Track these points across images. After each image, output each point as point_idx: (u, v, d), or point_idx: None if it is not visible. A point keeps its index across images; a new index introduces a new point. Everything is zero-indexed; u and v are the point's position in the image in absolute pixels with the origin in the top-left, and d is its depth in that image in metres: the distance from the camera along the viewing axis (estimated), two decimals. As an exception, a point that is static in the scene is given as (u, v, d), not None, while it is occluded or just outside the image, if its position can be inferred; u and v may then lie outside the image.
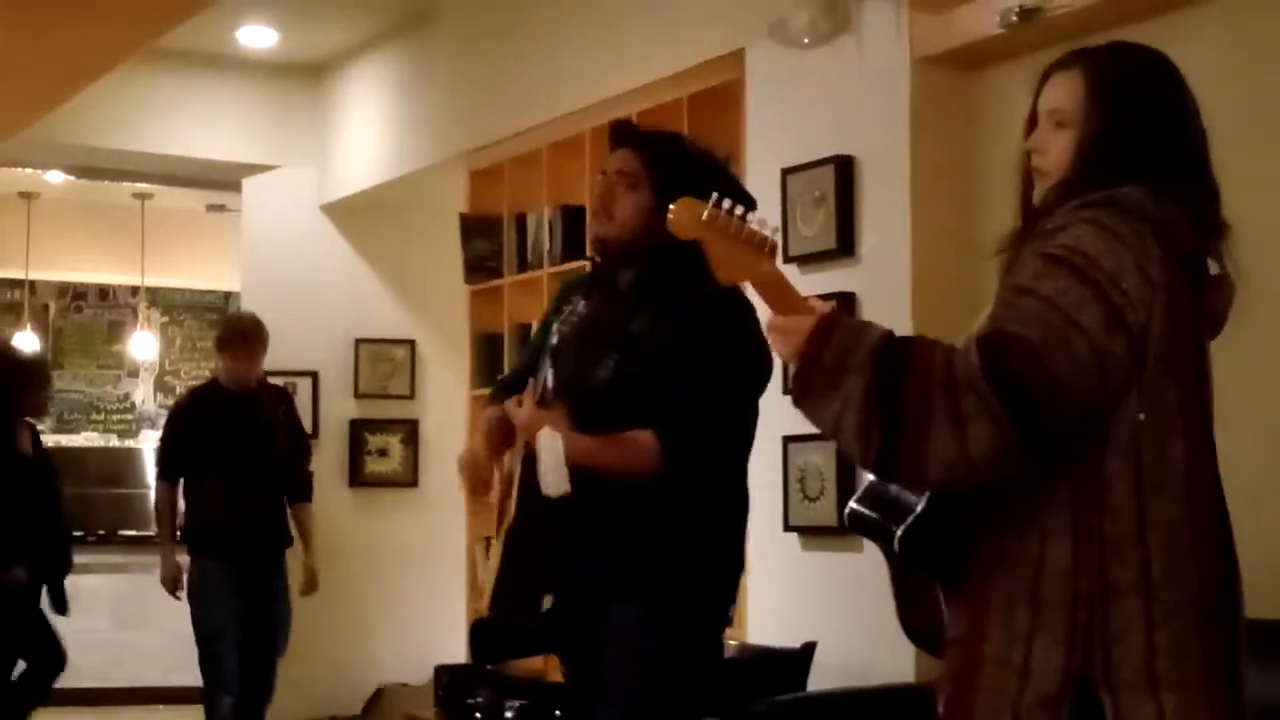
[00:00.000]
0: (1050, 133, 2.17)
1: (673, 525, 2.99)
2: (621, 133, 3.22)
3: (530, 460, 2.97)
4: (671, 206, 2.13)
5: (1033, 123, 2.22)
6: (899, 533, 2.12)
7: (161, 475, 6.04)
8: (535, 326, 3.62)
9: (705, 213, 2.09)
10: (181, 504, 5.93)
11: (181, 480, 5.90)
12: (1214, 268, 2.14)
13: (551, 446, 2.86)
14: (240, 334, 5.90)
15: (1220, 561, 2.05)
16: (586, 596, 3.03)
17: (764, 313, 2.15)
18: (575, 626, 3.08)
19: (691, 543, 3.01)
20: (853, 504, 2.25)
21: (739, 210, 2.12)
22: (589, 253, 3.21)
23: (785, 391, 2.10)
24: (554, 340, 3.05)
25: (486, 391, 6.50)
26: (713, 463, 3.03)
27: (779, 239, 2.14)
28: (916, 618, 2.25)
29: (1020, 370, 1.92)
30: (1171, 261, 2.02)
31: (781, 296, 2.10)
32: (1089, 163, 2.11)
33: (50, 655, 6.13)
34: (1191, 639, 2.00)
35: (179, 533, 5.91)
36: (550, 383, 3.01)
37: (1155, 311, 1.99)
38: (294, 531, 6.06)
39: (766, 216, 2.19)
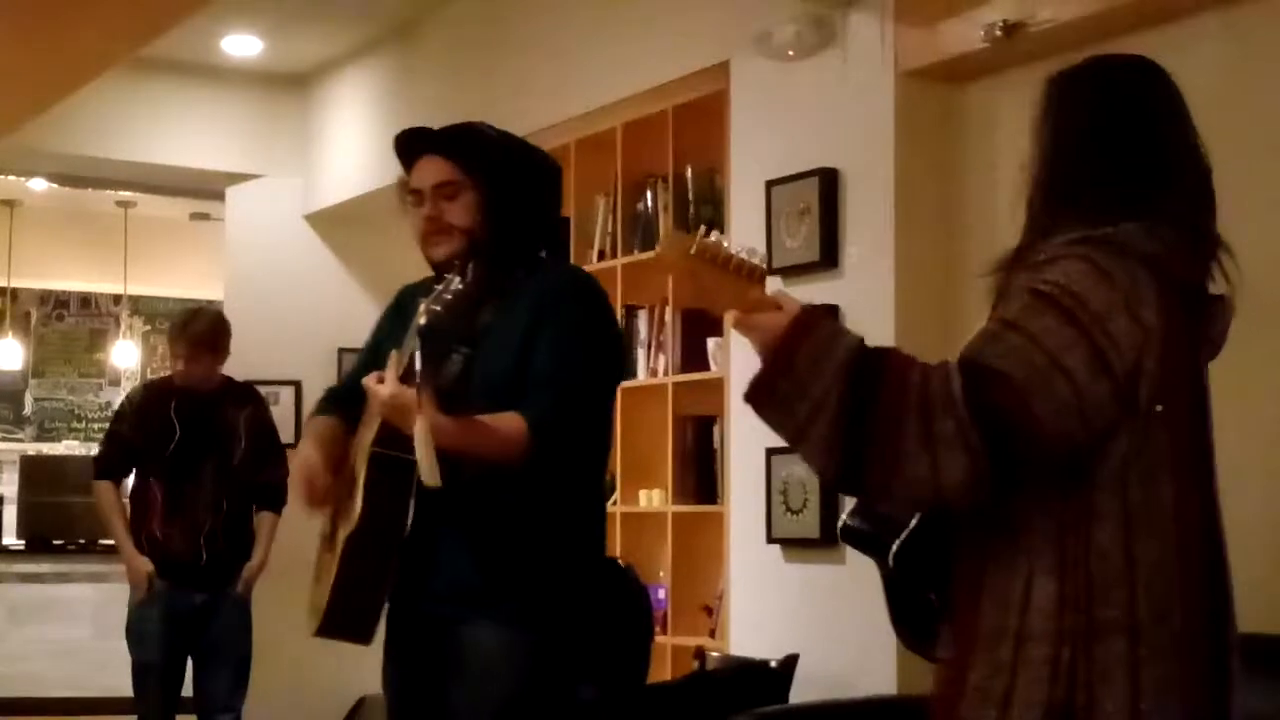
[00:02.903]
0: (1030, 147, 2.18)
1: (532, 528, 2.82)
2: (415, 140, 3.03)
3: (379, 460, 2.75)
4: (660, 242, 2.09)
5: None
6: (894, 547, 2.12)
7: (100, 474, 5.45)
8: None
9: (694, 246, 2.05)
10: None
11: (125, 482, 5.45)
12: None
13: (424, 433, 2.62)
14: (184, 336, 5.35)
15: (1209, 602, 2.04)
16: (442, 611, 2.85)
17: (746, 343, 2.11)
18: (415, 646, 2.89)
19: (552, 549, 2.84)
20: (845, 518, 2.24)
21: (724, 239, 2.07)
22: (436, 270, 2.99)
23: (745, 399, 2.05)
24: (422, 320, 2.72)
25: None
26: (577, 448, 2.86)
27: (766, 265, 2.10)
28: (910, 625, 2.24)
29: (1004, 406, 1.92)
30: (1168, 300, 2.01)
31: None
32: (1047, 176, 2.13)
33: None
34: (1176, 679, 1.99)
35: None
36: (419, 364, 2.70)
37: (1147, 353, 1.98)
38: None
39: (756, 246, 2.16)
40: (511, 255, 2.93)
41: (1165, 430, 2.01)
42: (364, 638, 2.88)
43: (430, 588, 2.85)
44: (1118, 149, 2.11)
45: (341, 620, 2.84)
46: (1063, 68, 2.21)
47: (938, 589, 2.12)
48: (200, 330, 5.36)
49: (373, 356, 3.00)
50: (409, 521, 2.78)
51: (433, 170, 2.97)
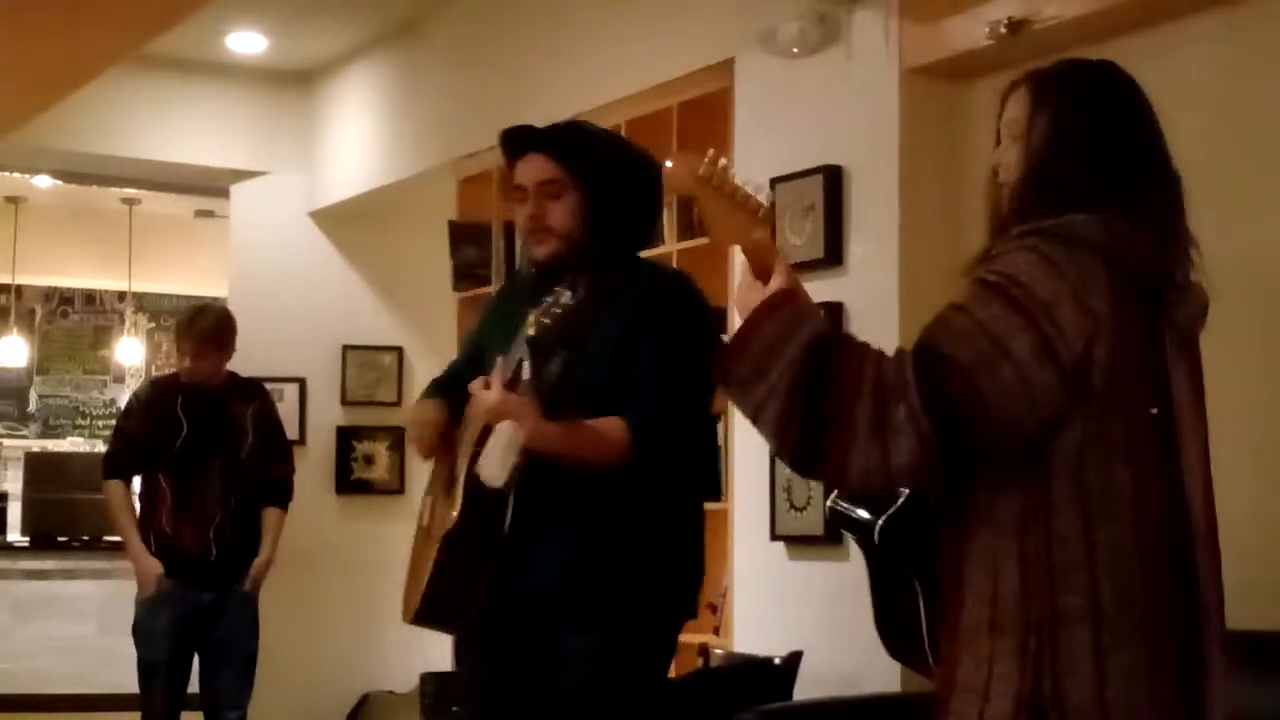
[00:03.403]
0: (1007, 147, 2.21)
1: (630, 532, 2.90)
2: (521, 138, 3.05)
3: (478, 457, 2.85)
4: (668, 161, 2.10)
5: (998, 143, 2.27)
6: (880, 522, 2.14)
7: (109, 473, 5.41)
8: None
9: (702, 168, 2.06)
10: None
11: (136, 481, 5.41)
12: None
13: (509, 436, 2.74)
14: (191, 333, 5.33)
15: (1175, 588, 2.04)
16: (535, 611, 2.92)
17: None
18: (517, 644, 2.97)
19: (649, 553, 2.92)
20: (833, 498, 2.26)
21: (732, 169, 2.08)
22: (532, 268, 3.07)
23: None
24: (530, 331, 2.85)
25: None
26: (677, 453, 2.93)
27: (771, 204, 2.12)
28: (895, 630, 2.26)
29: (953, 393, 1.94)
30: (1118, 289, 2.03)
31: (766, 266, 2.09)
32: (1037, 170, 2.15)
33: None
34: (1141, 667, 2.00)
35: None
36: (527, 372, 2.84)
37: (1097, 342, 2.00)
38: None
39: (762, 183, 2.18)
40: (611, 258, 2.97)
41: (1121, 418, 2.02)
42: (456, 630, 3.03)
43: (523, 587, 2.90)
44: (1098, 152, 2.13)
45: (435, 612, 2.98)
46: (1034, 71, 2.24)
47: (918, 567, 2.14)
48: (206, 327, 5.36)
49: (474, 352, 3.10)
50: (507, 523, 2.84)
51: (536, 168, 2.99)
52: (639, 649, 2.92)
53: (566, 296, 2.81)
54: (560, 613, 2.90)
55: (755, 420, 2.03)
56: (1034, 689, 1.98)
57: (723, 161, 2.08)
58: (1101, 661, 1.98)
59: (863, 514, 2.20)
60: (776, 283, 2.07)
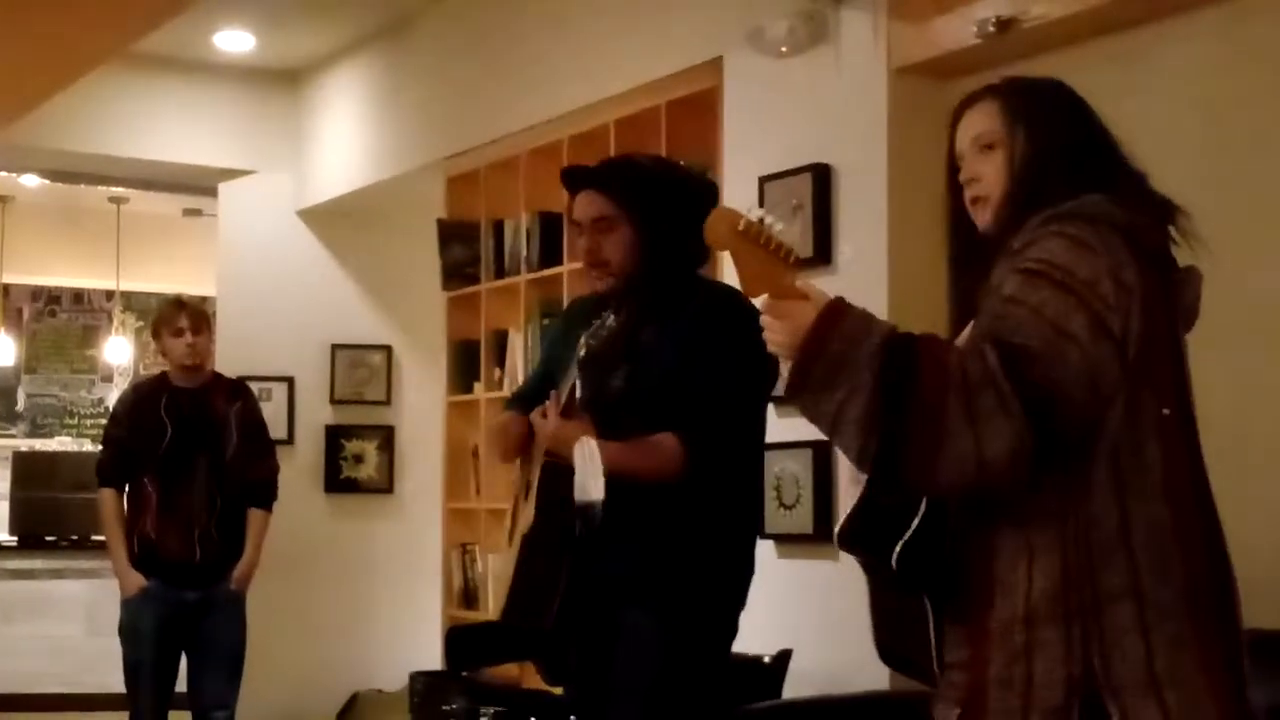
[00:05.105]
0: (980, 159, 2.22)
1: (690, 531, 3.05)
2: (576, 176, 3.23)
3: (549, 469, 3.05)
4: (709, 219, 2.12)
5: (952, 166, 2.27)
6: (898, 548, 2.12)
7: (103, 482, 5.39)
8: (538, 337, 3.67)
9: (741, 223, 2.08)
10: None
11: (126, 486, 5.35)
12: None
13: (589, 453, 2.93)
14: (187, 311, 5.36)
15: (1209, 559, 2.07)
16: (599, 601, 3.08)
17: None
18: (585, 630, 3.13)
19: (707, 549, 3.08)
20: (843, 522, 2.25)
21: (768, 218, 2.10)
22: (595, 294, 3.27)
23: (785, 392, 2.08)
24: (581, 352, 3.07)
25: (463, 398, 6.52)
26: (730, 464, 3.09)
27: (800, 246, 2.14)
28: (896, 641, 2.26)
29: (1037, 378, 1.95)
30: (1142, 264, 2.06)
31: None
32: (1030, 171, 2.17)
33: None
34: (1188, 636, 2.02)
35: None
36: (579, 393, 3.07)
37: (1132, 315, 2.03)
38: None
39: (798, 209, 2.20)
40: (667, 282, 3.13)
41: (1150, 393, 2.05)
42: (542, 625, 3.13)
43: (594, 579, 3.06)
44: (1088, 147, 2.18)
45: (519, 611, 3.16)
46: (992, 85, 2.26)
47: (934, 592, 2.13)
48: (196, 305, 5.51)
49: (545, 369, 3.34)
50: (578, 527, 3.00)
51: (589, 205, 3.16)
52: (689, 630, 3.06)
53: (610, 320, 3.02)
54: (619, 595, 3.07)
55: (836, 423, 2.01)
56: (1084, 672, 2.00)
57: (759, 212, 2.09)
58: (1148, 635, 2.00)
59: (876, 538, 2.18)
60: (822, 297, 2.07)
